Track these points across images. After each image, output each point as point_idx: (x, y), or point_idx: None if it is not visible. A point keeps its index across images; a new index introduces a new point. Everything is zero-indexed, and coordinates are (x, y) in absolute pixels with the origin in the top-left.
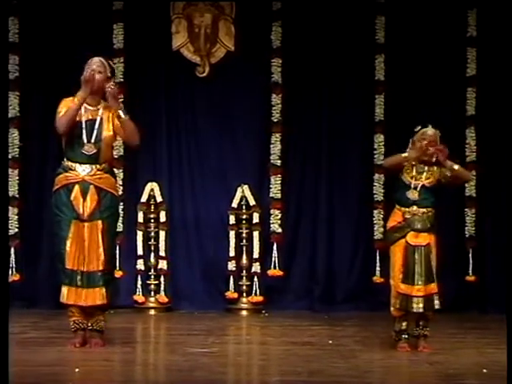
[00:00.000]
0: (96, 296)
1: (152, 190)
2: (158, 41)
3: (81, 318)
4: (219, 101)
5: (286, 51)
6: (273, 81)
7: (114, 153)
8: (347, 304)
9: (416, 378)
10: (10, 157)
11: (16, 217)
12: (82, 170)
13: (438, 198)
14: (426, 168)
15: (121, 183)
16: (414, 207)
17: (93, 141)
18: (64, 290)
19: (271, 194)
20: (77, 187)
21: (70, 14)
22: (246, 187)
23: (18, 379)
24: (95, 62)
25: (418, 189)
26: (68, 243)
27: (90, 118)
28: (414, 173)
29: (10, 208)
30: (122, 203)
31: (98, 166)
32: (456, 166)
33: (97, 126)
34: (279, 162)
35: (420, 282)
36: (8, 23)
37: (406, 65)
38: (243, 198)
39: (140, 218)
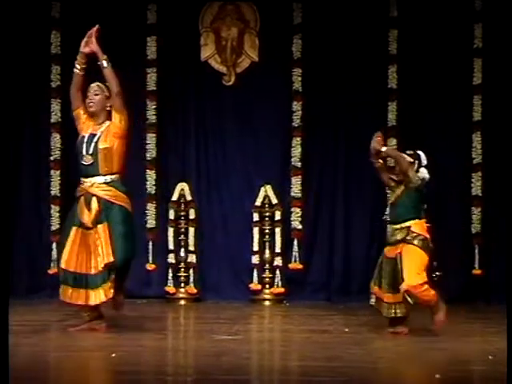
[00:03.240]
0: (101, 294)
1: (182, 189)
2: (188, 52)
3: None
4: (244, 107)
5: (305, 62)
6: (293, 89)
7: (147, 155)
8: (362, 295)
9: (426, 363)
10: (52, 159)
11: (57, 214)
12: (86, 183)
13: (446, 197)
14: (393, 184)
15: (153, 183)
16: (388, 225)
17: (90, 152)
18: (61, 288)
19: (292, 194)
20: (82, 199)
21: (106, 28)
22: (268, 187)
23: (59, 364)
24: (91, 87)
25: (388, 208)
26: (66, 247)
27: (92, 132)
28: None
29: (53, 206)
30: (154, 202)
31: (99, 179)
32: (383, 148)
33: (95, 138)
34: (300, 163)
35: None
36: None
37: (416, 74)
38: (266, 197)
39: (171, 215)
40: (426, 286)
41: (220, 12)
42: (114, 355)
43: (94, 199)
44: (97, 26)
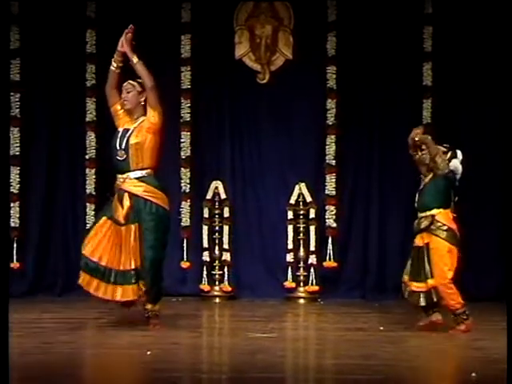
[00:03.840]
0: (129, 292)
1: (216, 187)
2: (222, 50)
3: None
4: (278, 105)
5: (340, 59)
6: (328, 86)
7: (182, 153)
8: (397, 293)
9: (462, 361)
10: (87, 157)
11: (93, 212)
12: (120, 179)
13: (483, 194)
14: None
15: (188, 182)
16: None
17: (123, 147)
18: (81, 274)
19: (327, 192)
20: (116, 195)
21: (141, 27)
22: (303, 185)
23: (95, 361)
24: (124, 86)
25: (417, 195)
26: (91, 234)
27: (126, 127)
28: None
29: (88, 204)
30: (188, 200)
31: (131, 174)
32: (417, 137)
33: (128, 133)
34: (334, 161)
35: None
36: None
37: (451, 71)
38: (300, 194)
39: (206, 213)
40: (455, 290)
41: (254, 10)
42: (149, 353)
43: (126, 195)
44: (131, 26)
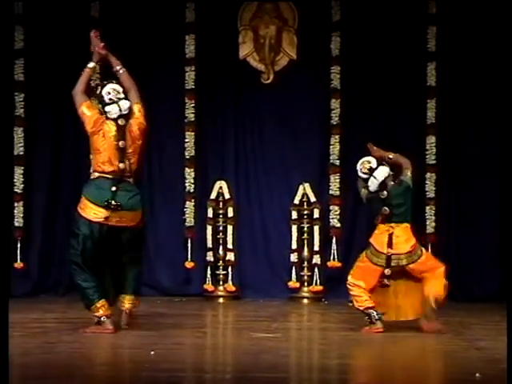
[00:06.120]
0: None
1: (220, 187)
2: (226, 50)
3: None
4: (282, 105)
5: (344, 59)
6: (332, 87)
7: (186, 153)
8: None
9: (464, 362)
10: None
11: None
12: None
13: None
14: None
15: (192, 182)
16: None
17: None
18: None
19: (331, 192)
20: None
21: (145, 27)
22: (307, 185)
23: (100, 360)
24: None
25: None
26: None
27: None
28: None
29: None
30: (192, 200)
31: None
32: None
33: None
34: (338, 161)
35: None
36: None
37: (455, 71)
38: (304, 194)
39: (210, 213)
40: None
41: (258, 10)
42: (153, 353)
43: None
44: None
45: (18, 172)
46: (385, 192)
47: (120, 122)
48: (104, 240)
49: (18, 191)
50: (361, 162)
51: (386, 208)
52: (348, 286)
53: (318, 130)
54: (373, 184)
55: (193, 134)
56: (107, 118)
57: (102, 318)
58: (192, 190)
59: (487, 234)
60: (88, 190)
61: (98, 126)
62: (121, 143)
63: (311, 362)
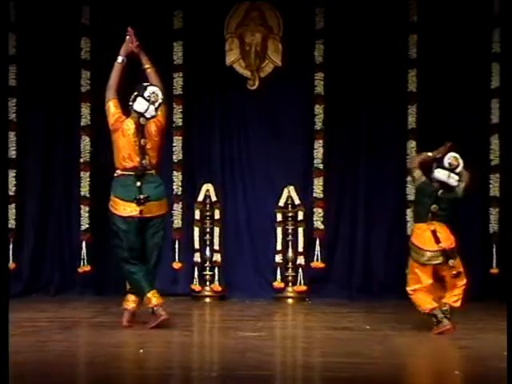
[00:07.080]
0: None
1: (207, 190)
2: (213, 57)
3: None
4: (267, 110)
5: (327, 66)
6: (316, 93)
7: (174, 157)
8: (382, 293)
9: (446, 360)
10: (82, 161)
11: (87, 214)
12: None
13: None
14: None
15: (180, 184)
16: None
17: None
18: None
19: (314, 194)
20: None
21: (135, 33)
22: (291, 188)
23: (90, 358)
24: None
25: None
26: None
27: None
28: None
29: (82, 206)
30: (180, 202)
31: None
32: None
33: None
34: (322, 165)
35: None
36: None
37: (435, 78)
38: (289, 197)
39: (197, 215)
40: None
41: (244, 18)
42: (141, 351)
43: None
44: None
45: (11, 175)
46: (441, 190)
47: (141, 121)
48: (140, 232)
49: (10, 193)
50: (455, 155)
51: (436, 206)
52: (409, 296)
53: (302, 134)
54: (452, 179)
55: (180, 138)
56: (128, 116)
57: (154, 308)
58: (180, 193)
59: (469, 234)
60: (115, 189)
61: (117, 124)
62: (142, 141)
63: (295, 360)
